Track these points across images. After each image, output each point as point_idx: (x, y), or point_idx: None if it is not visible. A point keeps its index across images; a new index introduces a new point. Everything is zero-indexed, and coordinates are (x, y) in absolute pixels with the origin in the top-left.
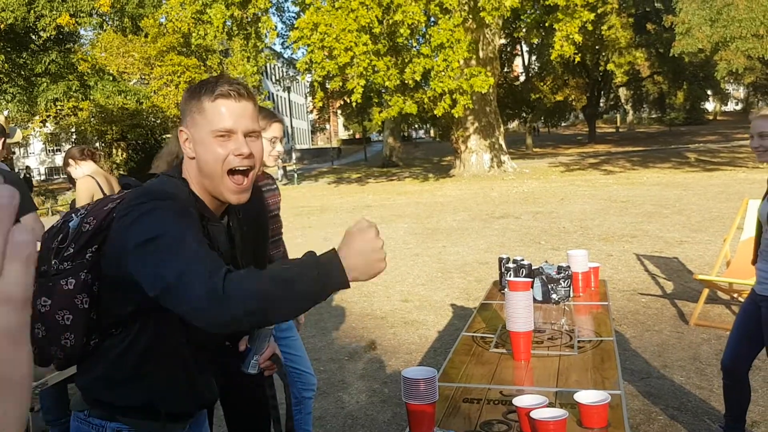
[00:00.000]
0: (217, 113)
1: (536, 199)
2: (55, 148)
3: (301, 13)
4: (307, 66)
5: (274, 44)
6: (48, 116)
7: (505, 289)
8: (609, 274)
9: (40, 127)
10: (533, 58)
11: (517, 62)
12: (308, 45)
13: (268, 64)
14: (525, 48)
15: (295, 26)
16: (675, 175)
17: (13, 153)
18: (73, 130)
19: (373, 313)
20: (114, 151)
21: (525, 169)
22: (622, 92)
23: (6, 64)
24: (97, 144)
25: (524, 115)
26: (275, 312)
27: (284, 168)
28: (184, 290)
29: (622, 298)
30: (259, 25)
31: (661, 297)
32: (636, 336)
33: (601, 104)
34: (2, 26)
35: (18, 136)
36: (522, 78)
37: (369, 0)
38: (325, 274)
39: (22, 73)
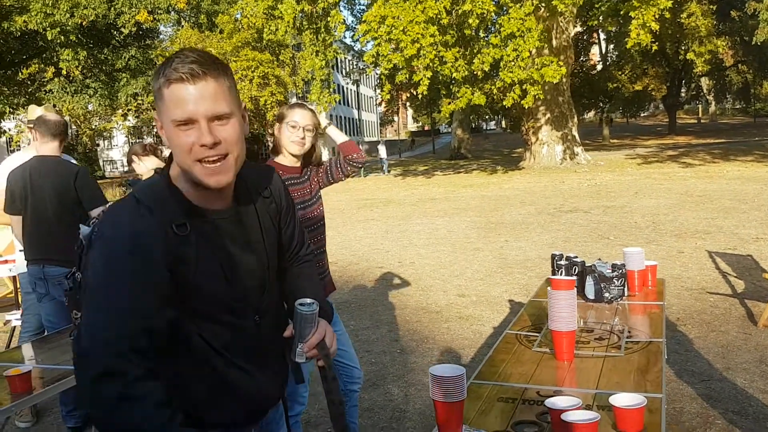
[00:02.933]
0: (173, 101)
1: (609, 192)
2: (137, 140)
3: (371, 6)
4: (374, 59)
5: (344, 37)
6: (128, 110)
7: (548, 288)
8: (678, 272)
9: (122, 120)
10: (611, 46)
11: (594, 50)
12: (375, 38)
13: (337, 57)
14: (602, 36)
15: (363, 20)
16: (757, 169)
17: (98, 145)
18: (154, 123)
19: (428, 307)
20: None
21: (599, 162)
22: (704, 82)
23: (88, 60)
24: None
25: (601, 104)
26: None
27: None
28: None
29: (690, 296)
30: (329, 19)
31: (731, 296)
32: (700, 336)
33: (682, 94)
34: (84, 23)
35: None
36: (599, 67)
37: None
38: None
39: (104, 68)
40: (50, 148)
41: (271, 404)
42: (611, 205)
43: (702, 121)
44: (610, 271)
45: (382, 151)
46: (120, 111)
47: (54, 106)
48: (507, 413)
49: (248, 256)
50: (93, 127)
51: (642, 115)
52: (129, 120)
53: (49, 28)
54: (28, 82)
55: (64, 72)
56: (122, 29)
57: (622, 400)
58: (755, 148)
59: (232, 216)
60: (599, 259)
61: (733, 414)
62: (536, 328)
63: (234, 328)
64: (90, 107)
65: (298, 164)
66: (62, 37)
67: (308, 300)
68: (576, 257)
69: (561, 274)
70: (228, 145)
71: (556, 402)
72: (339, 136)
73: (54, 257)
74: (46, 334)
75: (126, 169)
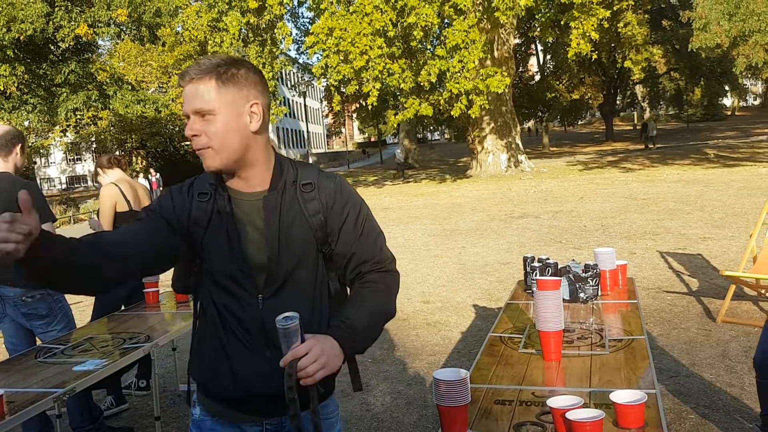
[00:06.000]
0: (183, 99)
1: (555, 198)
2: (75, 157)
3: (316, 19)
4: (322, 71)
5: (289, 50)
6: (68, 126)
7: (534, 289)
8: (633, 272)
9: (61, 137)
10: (548, 56)
11: (532, 62)
12: (323, 50)
13: (283, 70)
14: (540, 47)
15: (311, 31)
16: (695, 172)
17: (35, 163)
18: (93, 139)
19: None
20: (134, 159)
21: (542, 169)
22: (639, 89)
23: (26, 75)
24: (117, 152)
25: (540, 114)
26: None
27: None
28: None
29: (647, 296)
30: (275, 31)
31: (687, 294)
32: (663, 334)
33: (618, 102)
34: (22, 38)
35: None
36: (537, 77)
37: (383, 3)
38: None
39: (42, 83)
40: None
41: (274, 396)
42: (559, 210)
43: (637, 127)
44: (584, 271)
45: (398, 153)
46: (59, 127)
47: None
48: (506, 415)
49: (258, 238)
50: (30, 144)
51: (579, 123)
52: (68, 136)
53: None
54: None
55: (0, 88)
56: (61, 43)
57: (623, 396)
58: (691, 152)
59: (257, 200)
60: (573, 260)
61: (705, 408)
62: (518, 330)
63: (238, 299)
64: (27, 124)
65: None
66: None
67: (289, 313)
68: (548, 259)
69: (535, 276)
70: (207, 138)
71: (557, 402)
72: None
73: (9, 278)
74: (9, 357)
75: (64, 186)
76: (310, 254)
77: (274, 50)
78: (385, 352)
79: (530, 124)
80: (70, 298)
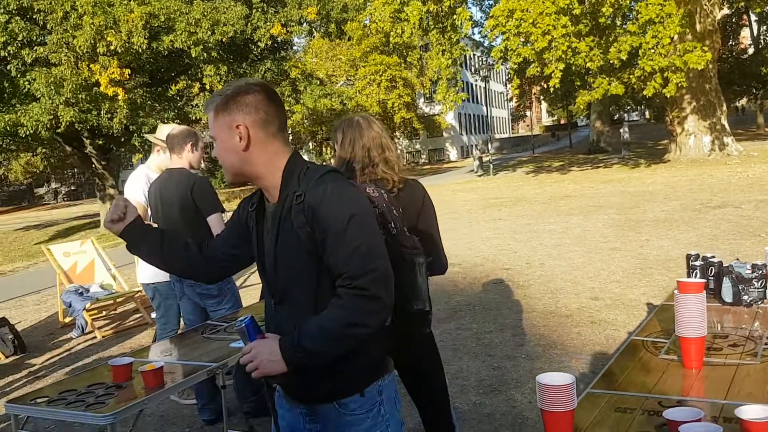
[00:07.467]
0: None
1: (762, 185)
2: None
3: (499, 1)
4: (501, 54)
5: (473, 34)
6: None
7: (675, 291)
8: None
9: None
10: (763, 28)
11: (745, 33)
12: (504, 32)
13: (465, 55)
14: (753, 17)
15: (490, 15)
16: None
17: None
18: (288, 131)
19: (557, 311)
20: (323, 149)
21: (752, 152)
22: None
23: (229, 75)
24: (310, 144)
25: (754, 91)
26: None
27: (480, 159)
28: None
29: None
30: (454, 17)
31: None
32: None
33: None
34: (224, 39)
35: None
36: (750, 50)
37: None
38: None
39: None
40: (173, 161)
41: (303, 386)
42: (765, 199)
43: None
44: (750, 271)
45: (625, 132)
46: None
47: (200, 120)
48: (624, 424)
49: (268, 247)
50: None
51: None
52: None
53: (192, 46)
54: (177, 98)
55: (207, 87)
56: (259, 43)
57: (751, 412)
58: None
59: (271, 211)
60: (737, 259)
61: None
62: (666, 334)
63: (268, 301)
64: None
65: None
66: (205, 54)
67: (242, 316)
68: (713, 257)
69: (695, 276)
70: (219, 159)
71: (675, 413)
72: None
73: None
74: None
75: None
76: (306, 266)
77: (454, 36)
78: (541, 349)
79: (743, 102)
80: (237, 279)
